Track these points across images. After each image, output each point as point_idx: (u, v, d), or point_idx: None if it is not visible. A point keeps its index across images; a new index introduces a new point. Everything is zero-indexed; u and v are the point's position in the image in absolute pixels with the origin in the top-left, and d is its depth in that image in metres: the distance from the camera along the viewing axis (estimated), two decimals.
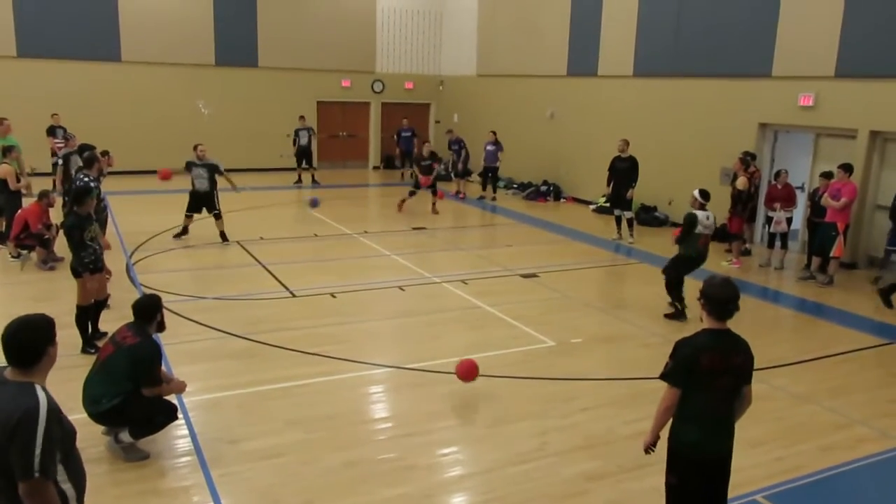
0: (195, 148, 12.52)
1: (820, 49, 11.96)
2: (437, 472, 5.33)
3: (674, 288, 9.11)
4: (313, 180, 19.16)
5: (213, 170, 12.22)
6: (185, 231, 12.33)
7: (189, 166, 12.28)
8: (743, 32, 13.28)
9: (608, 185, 13.51)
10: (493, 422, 6.10)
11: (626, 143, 13.35)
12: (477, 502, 4.97)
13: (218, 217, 12.17)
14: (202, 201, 12.18)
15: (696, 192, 9.02)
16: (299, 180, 19.03)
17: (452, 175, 19.28)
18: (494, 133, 17.87)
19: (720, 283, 3.93)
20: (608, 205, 14.34)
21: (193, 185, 12.20)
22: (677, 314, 9.05)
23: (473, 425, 6.04)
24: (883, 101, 11.17)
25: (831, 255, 10.68)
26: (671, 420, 3.97)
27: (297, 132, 18.82)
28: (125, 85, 19.32)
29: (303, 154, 18.89)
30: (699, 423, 3.88)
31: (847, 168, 10.72)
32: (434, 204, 15.77)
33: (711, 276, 4.03)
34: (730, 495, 4.96)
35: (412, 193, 15.69)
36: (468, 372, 6.55)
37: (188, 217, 12.25)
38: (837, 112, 11.84)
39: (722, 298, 3.86)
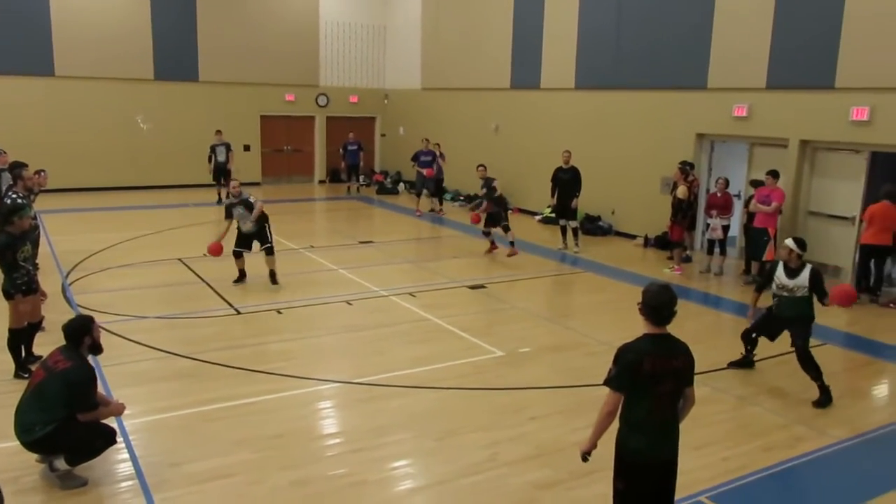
0: (227, 185, 10.87)
1: (752, 62, 12.41)
2: (387, 487, 5.28)
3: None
4: (227, 197, 17.92)
5: (249, 206, 10.47)
6: (241, 275, 10.74)
7: (228, 210, 10.60)
8: (679, 46, 13.68)
9: (552, 195, 13.70)
10: (444, 434, 6.08)
11: (570, 154, 13.58)
12: None
13: (270, 252, 10.56)
14: (251, 238, 10.66)
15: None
16: (220, 199, 17.75)
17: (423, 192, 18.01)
18: (438, 145, 17.97)
19: (657, 290, 4.04)
20: (553, 215, 14.53)
21: (239, 229, 10.60)
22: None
23: (424, 438, 6.01)
24: (811, 112, 11.64)
25: (763, 259, 11.04)
26: (618, 427, 4.01)
27: (213, 148, 17.93)
28: (60, 100, 18.75)
29: (220, 171, 17.92)
30: (644, 428, 3.93)
31: (774, 174, 11.12)
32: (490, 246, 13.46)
33: (650, 283, 4.14)
34: (676, 497, 5.07)
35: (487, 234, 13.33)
36: (845, 297, 6.81)
37: (237, 257, 10.68)
38: (769, 122, 12.28)
39: (658, 304, 3.98)
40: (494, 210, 12.84)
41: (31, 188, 9.94)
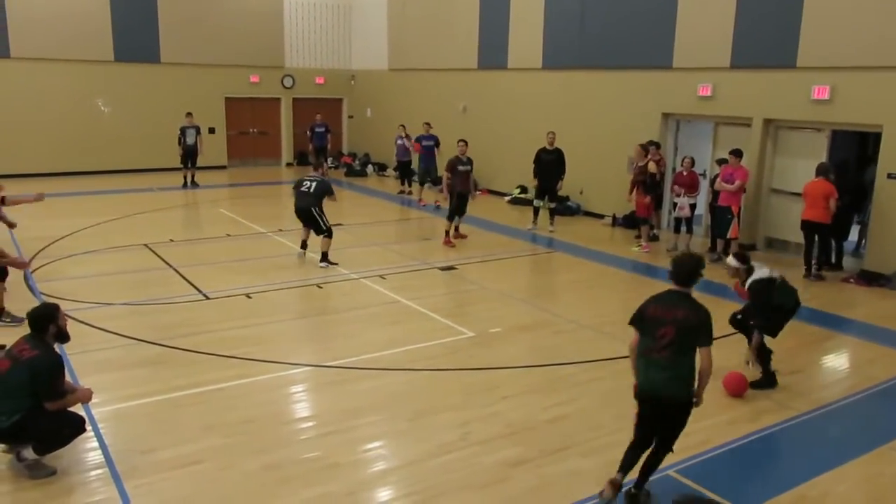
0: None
1: (716, 41, 12.53)
2: (360, 469, 5.31)
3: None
4: (192, 181, 17.80)
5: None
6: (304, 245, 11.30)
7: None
8: (644, 26, 13.76)
9: (534, 177, 13.72)
10: (416, 415, 6.12)
11: (554, 135, 13.57)
12: (401, 496, 4.98)
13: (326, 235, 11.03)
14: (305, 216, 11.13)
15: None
16: (186, 183, 17.78)
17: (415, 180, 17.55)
18: (404, 126, 17.86)
19: (681, 256, 4.90)
20: (522, 196, 14.57)
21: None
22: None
23: (396, 420, 6.05)
24: (774, 91, 11.81)
25: (728, 236, 11.24)
26: None
27: (183, 130, 17.59)
28: (16, 83, 18.23)
29: (188, 154, 17.67)
30: (645, 362, 4.72)
31: (738, 153, 11.30)
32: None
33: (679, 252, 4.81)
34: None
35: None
36: (736, 386, 6.50)
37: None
38: (733, 101, 12.44)
39: (676, 267, 4.79)
40: (466, 191, 12.55)
41: None
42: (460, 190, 12.37)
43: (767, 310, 6.71)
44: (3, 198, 8.06)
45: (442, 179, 13.10)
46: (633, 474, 4.85)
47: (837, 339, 8.50)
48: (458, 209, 12.49)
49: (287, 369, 7.06)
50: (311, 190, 10.94)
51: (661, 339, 4.59)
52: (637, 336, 4.78)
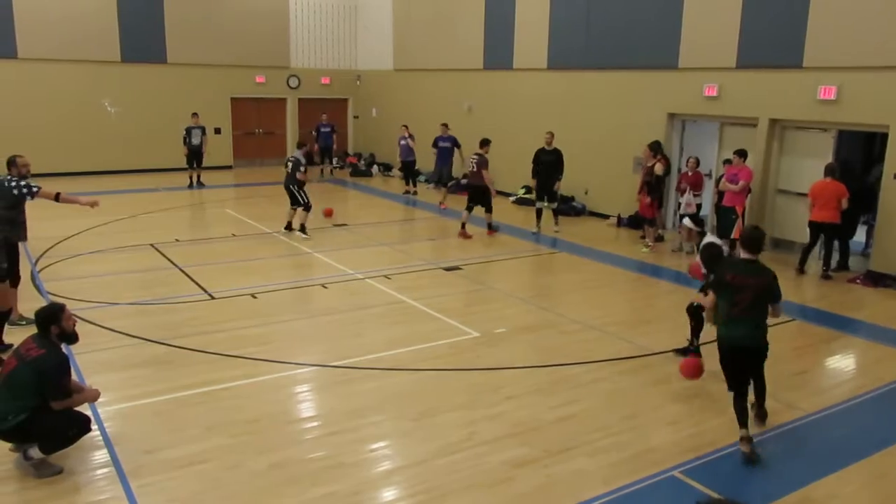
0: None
1: (722, 41, 12.50)
2: (365, 468, 5.32)
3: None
4: (198, 181, 17.94)
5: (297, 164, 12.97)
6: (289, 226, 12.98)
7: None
8: (650, 26, 13.73)
9: (533, 177, 13.70)
10: (421, 415, 6.12)
11: (552, 135, 13.54)
12: (406, 496, 4.98)
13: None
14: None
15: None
16: (192, 184, 17.91)
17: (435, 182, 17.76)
18: (406, 126, 17.86)
19: (751, 229, 5.92)
20: (527, 196, 14.55)
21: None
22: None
23: (401, 419, 6.05)
24: (780, 91, 11.78)
25: (732, 236, 11.22)
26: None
27: (188, 130, 17.67)
28: (23, 83, 18.30)
29: (194, 155, 17.76)
30: (725, 322, 5.62)
31: (742, 153, 11.27)
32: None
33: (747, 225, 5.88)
34: (646, 473, 5.20)
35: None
36: (691, 371, 6.65)
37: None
38: (739, 101, 12.41)
39: (747, 238, 5.74)
40: (478, 183, 12.99)
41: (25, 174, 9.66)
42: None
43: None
44: (58, 194, 8.10)
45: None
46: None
47: (844, 339, 8.47)
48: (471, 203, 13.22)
49: (292, 369, 7.07)
50: (289, 168, 12.88)
51: (741, 302, 5.51)
52: (713, 297, 5.79)
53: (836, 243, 11.09)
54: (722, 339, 5.68)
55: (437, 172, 17.23)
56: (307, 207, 12.68)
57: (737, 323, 5.57)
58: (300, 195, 12.67)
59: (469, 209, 13.11)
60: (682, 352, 7.39)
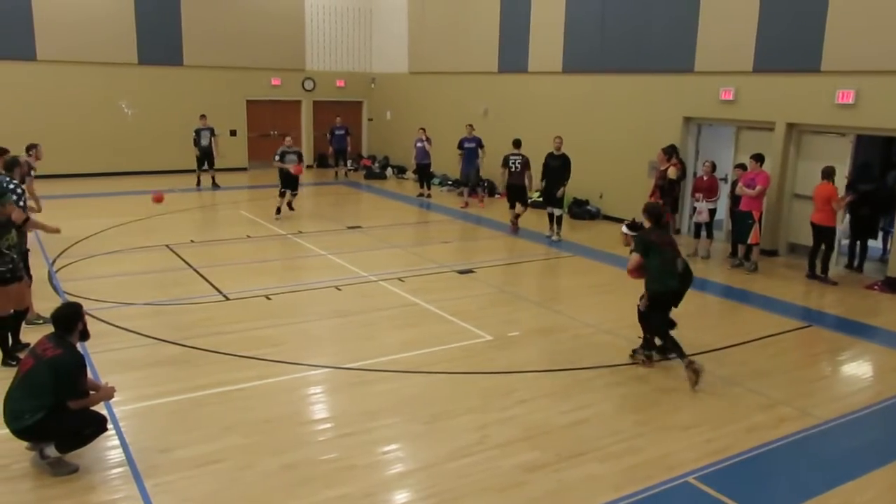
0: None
1: (738, 45, 12.43)
2: (377, 471, 5.32)
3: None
4: (213, 183, 18.15)
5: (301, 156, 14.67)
6: (279, 211, 14.50)
7: (282, 156, 14.32)
8: (666, 29, 13.68)
9: (541, 181, 13.68)
10: (433, 418, 6.12)
11: (561, 140, 13.48)
12: (418, 498, 4.98)
13: (294, 195, 14.78)
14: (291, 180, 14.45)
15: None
16: (199, 183, 18.10)
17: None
18: (423, 130, 17.89)
19: (653, 204, 7.61)
20: (541, 199, 14.52)
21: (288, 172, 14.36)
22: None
23: (413, 422, 6.05)
24: (797, 95, 11.69)
25: (749, 241, 11.15)
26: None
27: (197, 132, 17.84)
28: (41, 85, 18.52)
29: (204, 156, 17.96)
30: (659, 274, 6.99)
31: (759, 158, 11.20)
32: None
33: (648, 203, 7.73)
34: (660, 479, 5.18)
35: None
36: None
37: (281, 196, 14.53)
38: (756, 105, 12.33)
39: (652, 210, 7.37)
40: (520, 183, 13.73)
41: (28, 172, 9.82)
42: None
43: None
44: (27, 219, 8.09)
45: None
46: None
47: (861, 346, 8.38)
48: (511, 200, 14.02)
49: (306, 370, 7.10)
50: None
51: (669, 255, 7.01)
52: (640, 258, 7.03)
53: (851, 245, 11.05)
54: (654, 290, 6.99)
55: (465, 175, 17.17)
56: (294, 191, 14.64)
57: (669, 273, 6.94)
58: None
59: (513, 206, 13.86)
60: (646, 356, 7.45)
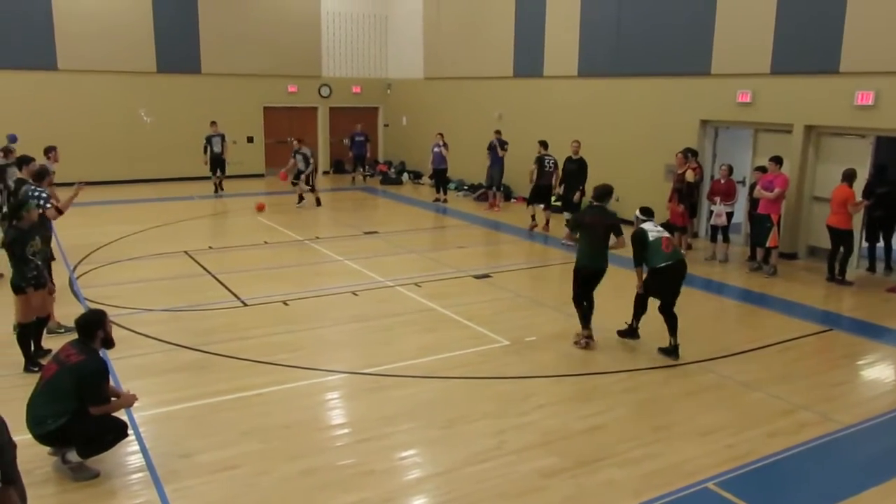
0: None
1: (755, 47, 12.34)
2: (395, 476, 5.33)
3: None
4: (220, 188, 18.32)
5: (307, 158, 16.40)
6: (301, 199, 16.62)
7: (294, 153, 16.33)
8: (682, 32, 13.61)
9: (559, 185, 13.65)
10: (450, 423, 6.12)
11: (578, 144, 13.44)
12: None
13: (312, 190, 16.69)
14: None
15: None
16: (217, 190, 18.26)
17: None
18: (441, 135, 17.92)
19: (602, 185, 7.90)
20: (559, 204, 14.50)
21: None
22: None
23: (431, 427, 6.05)
24: (816, 97, 11.59)
25: (767, 245, 11.05)
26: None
27: (208, 139, 18.01)
28: (62, 94, 18.79)
29: (216, 163, 18.13)
30: (588, 252, 7.68)
31: (777, 160, 11.11)
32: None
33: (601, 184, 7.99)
34: (679, 485, 5.14)
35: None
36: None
37: (294, 185, 16.65)
38: (773, 108, 12.23)
39: (602, 190, 7.88)
40: (549, 183, 13.95)
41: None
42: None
43: (639, 257, 7.77)
44: (60, 211, 8.38)
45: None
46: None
47: (883, 350, 8.27)
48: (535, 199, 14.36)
49: (323, 376, 7.12)
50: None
51: (595, 237, 7.58)
52: (576, 235, 7.86)
53: (870, 248, 10.94)
54: (582, 266, 7.73)
55: (489, 177, 17.05)
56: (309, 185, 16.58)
57: (595, 253, 7.63)
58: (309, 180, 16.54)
59: (532, 203, 14.24)
60: (629, 333, 8.13)
